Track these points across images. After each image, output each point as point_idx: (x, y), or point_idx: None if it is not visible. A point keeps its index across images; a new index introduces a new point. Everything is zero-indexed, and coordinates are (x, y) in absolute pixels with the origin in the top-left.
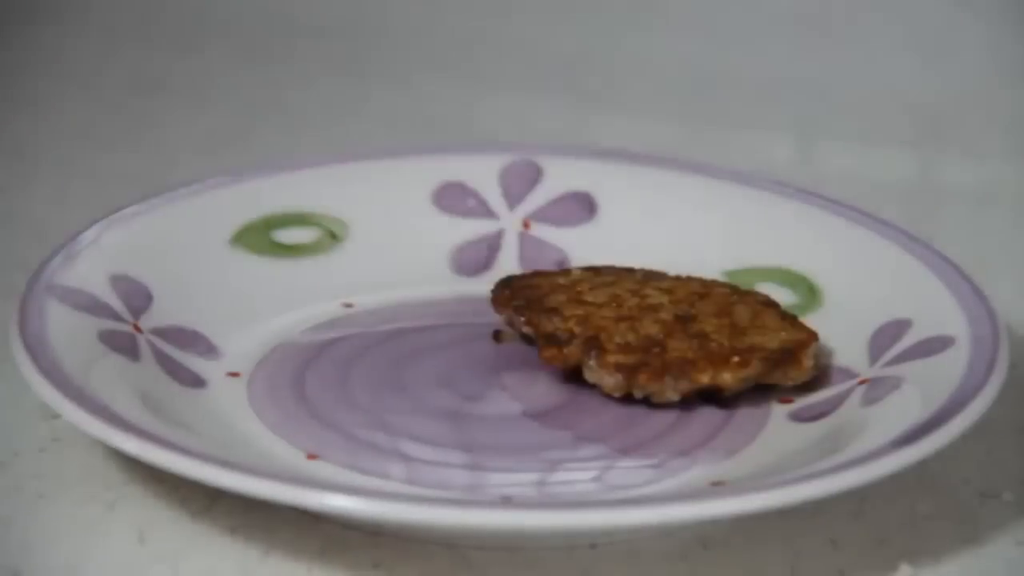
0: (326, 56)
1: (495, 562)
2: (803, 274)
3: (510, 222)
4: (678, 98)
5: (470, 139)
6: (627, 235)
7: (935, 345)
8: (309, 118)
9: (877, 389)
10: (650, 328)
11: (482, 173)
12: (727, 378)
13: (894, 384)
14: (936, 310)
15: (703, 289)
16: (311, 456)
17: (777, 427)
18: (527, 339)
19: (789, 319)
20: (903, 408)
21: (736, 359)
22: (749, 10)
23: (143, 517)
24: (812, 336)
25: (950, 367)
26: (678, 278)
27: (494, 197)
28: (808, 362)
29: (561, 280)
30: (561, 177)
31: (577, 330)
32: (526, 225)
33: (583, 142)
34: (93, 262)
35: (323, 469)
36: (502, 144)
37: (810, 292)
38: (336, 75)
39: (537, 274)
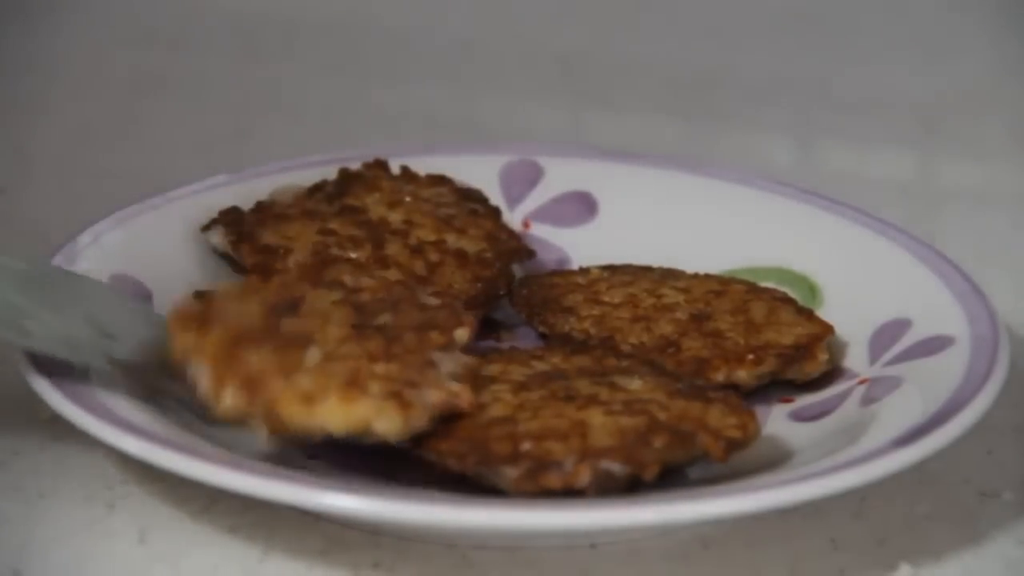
0: (326, 56)
1: (495, 562)
2: (803, 274)
3: (510, 222)
4: (678, 98)
5: (470, 139)
6: (627, 235)
7: (935, 345)
8: (309, 118)
9: (877, 389)
10: (665, 328)
11: (482, 173)
12: (742, 376)
13: (894, 384)
14: (936, 310)
15: (720, 287)
16: (311, 456)
17: (777, 427)
18: (544, 339)
19: (805, 313)
20: (903, 408)
21: (751, 357)
22: (749, 10)
23: (143, 517)
24: (827, 330)
25: (950, 367)
26: (695, 276)
27: (494, 197)
28: (823, 356)
29: (579, 280)
30: (561, 177)
31: (592, 331)
32: (526, 225)
33: (583, 142)
34: (93, 262)
35: (323, 469)
36: (502, 144)
37: (810, 292)
38: (336, 75)
39: (555, 273)
